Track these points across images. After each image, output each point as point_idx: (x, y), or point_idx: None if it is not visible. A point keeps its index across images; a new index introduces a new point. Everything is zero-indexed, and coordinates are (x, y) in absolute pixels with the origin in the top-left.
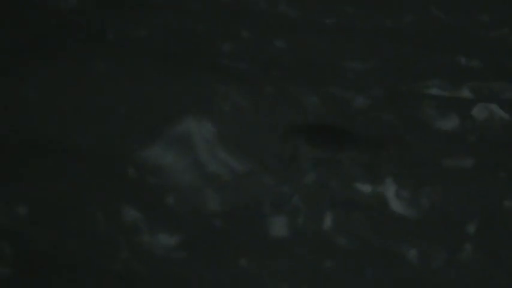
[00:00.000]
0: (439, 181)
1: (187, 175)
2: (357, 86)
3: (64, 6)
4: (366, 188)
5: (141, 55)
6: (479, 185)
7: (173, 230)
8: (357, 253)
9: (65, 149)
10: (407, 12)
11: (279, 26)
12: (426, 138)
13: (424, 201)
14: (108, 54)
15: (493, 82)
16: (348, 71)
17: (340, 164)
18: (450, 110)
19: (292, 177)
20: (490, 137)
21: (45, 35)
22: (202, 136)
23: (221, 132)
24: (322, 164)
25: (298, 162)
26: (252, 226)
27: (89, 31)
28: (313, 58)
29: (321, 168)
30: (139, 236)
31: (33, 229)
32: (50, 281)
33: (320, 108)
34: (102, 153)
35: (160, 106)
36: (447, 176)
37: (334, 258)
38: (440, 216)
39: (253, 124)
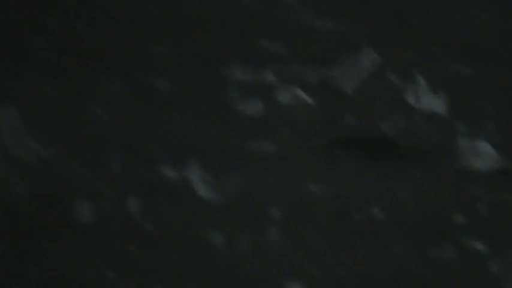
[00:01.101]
0: (243, 165)
1: None
2: (162, 71)
3: None
4: (171, 173)
5: None
6: (283, 169)
7: None
8: (162, 238)
9: None
10: None
11: (85, 14)
12: (230, 122)
13: (228, 185)
14: None
15: (297, 66)
16: (153, 56)
17: (145, 149)
18: (253, 93)
19: (98, 162)
20: (294, 120)
21: None
22: (8, 123)
23: (27, 119)
24: (128, 149)
25: (105, 147)
26: (57, 211)
27: None
28: (119, 44)
29: (127, 154)
30: None
31: None
32: None
33: (128, 96)
34: None
35: None
36: (251, 160)
37: (139, 242)
38: (245, 201)
39: (60, 112)
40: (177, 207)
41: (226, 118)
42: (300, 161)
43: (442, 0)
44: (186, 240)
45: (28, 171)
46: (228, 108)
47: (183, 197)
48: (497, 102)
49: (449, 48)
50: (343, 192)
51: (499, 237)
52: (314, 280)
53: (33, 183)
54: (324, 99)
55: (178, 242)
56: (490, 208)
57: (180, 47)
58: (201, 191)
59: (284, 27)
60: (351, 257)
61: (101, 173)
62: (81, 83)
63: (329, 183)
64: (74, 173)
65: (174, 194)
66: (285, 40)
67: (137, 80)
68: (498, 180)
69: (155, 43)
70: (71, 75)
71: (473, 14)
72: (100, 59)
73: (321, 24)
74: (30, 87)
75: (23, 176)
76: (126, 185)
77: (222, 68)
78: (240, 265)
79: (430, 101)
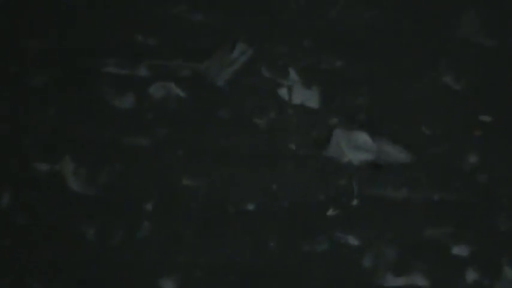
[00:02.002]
0: (117, 159)
1: None
2: (35, 65)
3: None
4: (44, 166)
5: None
6: (157, 163)
7: None
8: (34, 231)
9: None
10: None
11: None
12: (104, 116)
13: (102, 179)
14: None
15: (170, 60)
16: (27, 50)
17: (18, 143)
18: (127, 88)
19: None
20: (168, 115)
21: None
22: None
23: None
24: (0, 142)
25: None
26: None
27: None
28: None
29: None
30: None
31: None
32: None
33: (1, 90)
34: None
35: None
36: (125, 154)
37: (12, 236)
38: (119, 195)
39: None
40: (49, 201)
41: (100, 112)
42: (174, 155)
43: None
44: (59, 234)
45: None
46: (102, 103)
47: (55, 190)
48: (371, 94)
49: (320, 41)
50: (216, 185)
51: (370, 231)
52: (187, 274)
53: None
54: (197, 93)
55: (50, 235)
56: (361, 201)
57: (53, 41)
58: (74, 184)
59: (158, 21)
60: (224, 250)
61: None
62: None
63: (202, 177)
64: None
65: (46, 187)
66: (158, 34)
67: (10, 74)
68: (370, 173)
69: (29, 37)
70: None
71: (346, 5)
72: None
73: (195, 18)
74: None
75: None
76: None
77: (97, 62)
78: (113, 258)
79: (303, 95)
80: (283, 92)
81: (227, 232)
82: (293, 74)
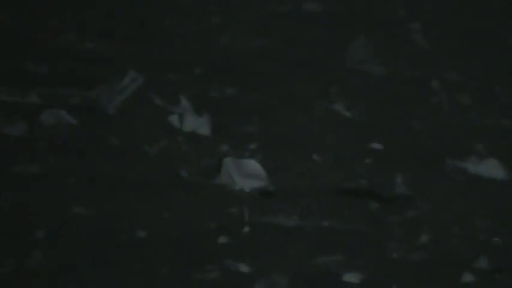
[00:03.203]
0: (7, 187)
1: None
2: None
3: None
4: None
5: None
6: (48, 191)
7: None
8: None
9: None
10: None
11: None
12: None
13: None
14: None
15: (61, 88)
16: None
17: None
18: (17, 116)
19: None
20: (59, 142)
21: None
22: None
23: None
24: None
25: None
26: None
27: None
28: None
29: None
30: None
31: None
32: None
33: None
34: None
35: None
36: (15, 182)
37: None
38: (9, 223)
39: None
40: None
41: None
42: (65, 183)
43: (204, 22)
44: None
45: None
46: None
47: None
48: (260, 122)
49: (212, 69)
50: (107, 213)
51: (261, 259)
52: None
53: None
54: (88, 120)
55: None
56: (252, 229)
57: None
58: None
59: (49, 49)
60: (115, 279)
61: None
62: None
63: (93, 205)
64: None
65: None
66: (50, 62)
67: None
68: (261, 200)
69: None
70: None
71: (235, 34)
72: None
73: (85, 46)
74: None
75: None
76: None
77: None
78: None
79: (194, 122)
80: (174, 119)
81: (118, 260)
82: (184, 102)
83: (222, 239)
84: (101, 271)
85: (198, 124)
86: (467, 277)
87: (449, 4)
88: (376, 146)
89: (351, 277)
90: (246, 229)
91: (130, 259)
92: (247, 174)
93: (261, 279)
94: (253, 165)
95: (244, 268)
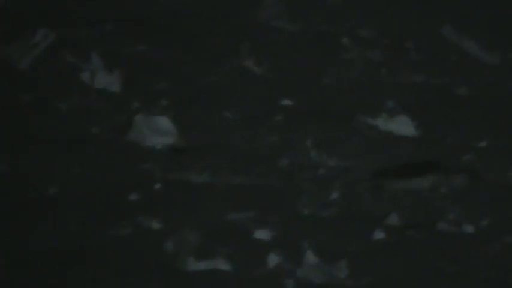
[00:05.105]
0: None
1: None
2: None
3: None
4: None
5: None
6: None
7: None
8: None
9: None
10: None
11: None
12: None
13: None
14: None
15: None
16: None
17: None
18: None
19: None
20: None
21: None
22: None
23: None
24: None
25: None
26: None
27: None
28: None
29: None
30: None
31: None
32: None
33: None
34: None
35: None
36: None
37: None
38: None
39: None
40: None
41: None
42: None
43: None
44: None
45: None
46: None
47: None
48: (172, 79)
49: (124, 25)
50: (19, 170)
51: (173, 215)
52: None
53: None
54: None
55: None
56: (163, 185)
57: None
58: None
59: None
60: (27, 235)
61: None
62: None
63: (4, 162)
64: None
65: None
66: None
67: None
68: (172, 157)
69: None
70: None
71: None
72: None
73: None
74: None
75: None
76: None
77: None
78: None
79: (105, 79)
80: (85, 76)
81: (30, 217)
82: (95, 58)
83: (134, 196)
84: (13, 227)
85: (109, 81)
86: (379, 234)
87: None
88: (286, 102)
89: (262, 234)
90: (158, 186)
91: (42, 215)
92: (158, 130)
93: (172, 236)
94: (164, 121)
95: (155, 225)
